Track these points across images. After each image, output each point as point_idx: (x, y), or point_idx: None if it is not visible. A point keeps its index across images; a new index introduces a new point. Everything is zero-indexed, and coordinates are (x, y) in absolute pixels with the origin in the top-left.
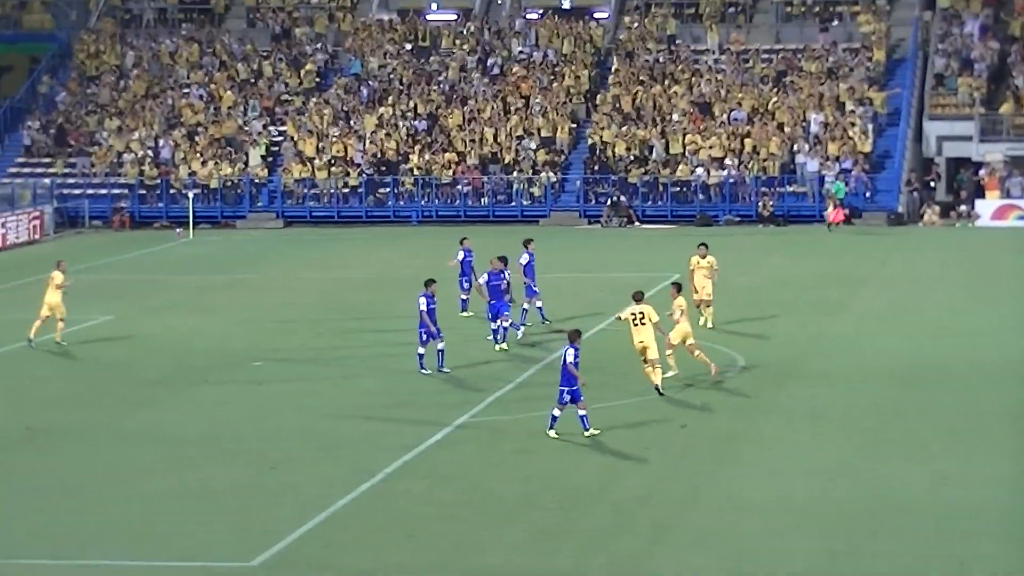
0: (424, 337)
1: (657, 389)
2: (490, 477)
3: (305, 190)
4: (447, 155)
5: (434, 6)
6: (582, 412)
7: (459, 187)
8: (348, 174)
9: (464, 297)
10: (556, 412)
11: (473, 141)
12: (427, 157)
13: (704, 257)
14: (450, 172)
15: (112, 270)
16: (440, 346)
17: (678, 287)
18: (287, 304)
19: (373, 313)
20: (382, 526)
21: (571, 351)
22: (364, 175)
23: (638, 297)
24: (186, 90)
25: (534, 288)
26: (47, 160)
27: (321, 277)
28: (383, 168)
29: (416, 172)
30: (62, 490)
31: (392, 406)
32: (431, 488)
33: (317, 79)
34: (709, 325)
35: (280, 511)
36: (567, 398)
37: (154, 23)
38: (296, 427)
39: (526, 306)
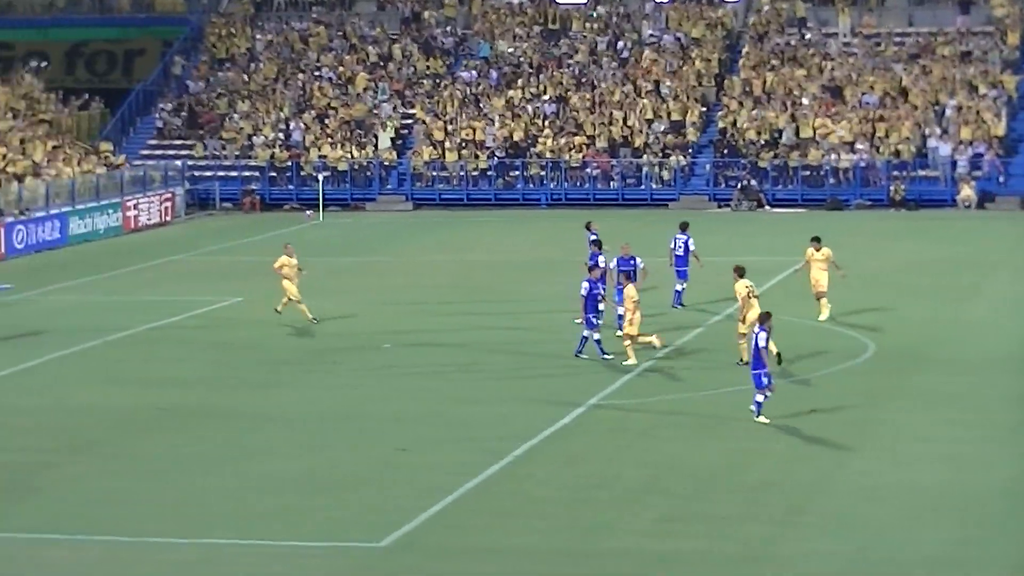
0: (593, 321)
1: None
2: (618, 461)
3: (434, 172)
4: (576, 138)
5: None
6: (759, 398)
7: (588, 170)
8: (477, 157)
9: None
10: (759, 398)
11: (602, 124)
12: (556, 140)
13: (819, 250)
14: (579, 155)
15: (242, 252)
16: (585, 334)
17: (740, 271)
18: (416, 286)
19: (502, 295)
20: (510, 509)
21: (762, 334)
22: (493, 158)
23: (742, 271)
24: (316, 73)
25: (686, 272)
26: (178, 142)
27: (450, 259)
28: (512, 151)
29: (545, 155)
30: (193, 470)
31: (520, 389)
32: (559, 471)
33: (447, 62)
34: (825, 317)
35: (409, 493)
36: (765, 381)
37: (285, 6)
38: (425, 409)
39: (679, 287)
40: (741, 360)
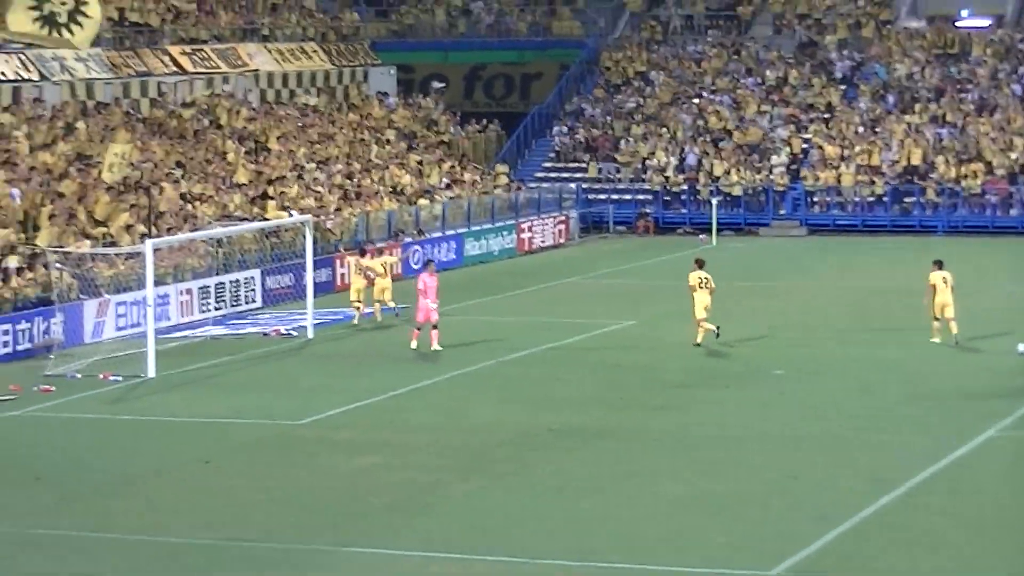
0: None
1: (697, 344)
2: (1018, 493)
3: (829, 198)
4: (975, 165)
5: (964, 13)
6: None
7: (987, 197)
8: (873, 182)
9: None
10: None
11: (1002, 151)
12: (955, 167)
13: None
14: (978, 182)
15: (635, 275)
16: None
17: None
18: (810, 312)
19: (896, 323)
20: (904, 539)
21: None
22: (889, 184)
23: (701, 263)
24: (712, 97)
25: None
26: (573, 165)
27: (845, 285)
28: (909, 177)
29: (943, 181)
30: (584, 491)
31: (914, 417)
32: (956, 502)
33: (843, 86)
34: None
35: (800, 519)
36: None
37: (680, 30)
38: (816, 436)
39: None
40: None
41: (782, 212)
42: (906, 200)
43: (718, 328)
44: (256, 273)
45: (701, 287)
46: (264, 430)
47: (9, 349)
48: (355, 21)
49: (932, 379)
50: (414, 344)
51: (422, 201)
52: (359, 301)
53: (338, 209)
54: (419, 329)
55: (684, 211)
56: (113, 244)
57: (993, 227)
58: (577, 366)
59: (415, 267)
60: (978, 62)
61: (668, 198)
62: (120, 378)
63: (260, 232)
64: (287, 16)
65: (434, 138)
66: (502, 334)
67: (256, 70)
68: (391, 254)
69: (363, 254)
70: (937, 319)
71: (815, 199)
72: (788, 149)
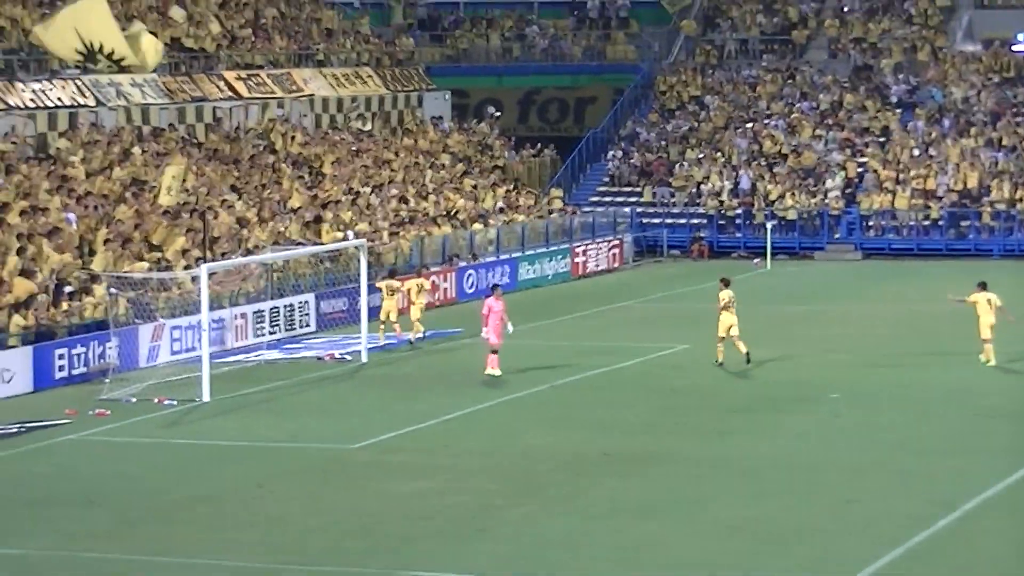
0: None
1: (747, 356)
2: None
3: (884, 222)
4: None
5: (1021, 36)
6: None
7: None
8: (929, 206)
9: None
10: None
11: None
12: (1011, 191)
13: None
14: None
15: (689, 299)
16: None
17: None
18: (865, 336)
19: (951, 347)
20: (963, 564)
21: None
22: (945, 208)
23: (727, 282)
24: (767, 121)
25: None
26: (627, 189)
27: (900, 309)
28: (965, 201)
29: (999, 205)
30: (638, 516)
31: (972, 441)
32: (1014, 527)
33: (898, 110)
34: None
35: (857, 544)
36: None
37: (735, 54)
38: (873, 460)
39: None
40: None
41: (837, 236)
42: (962, 224)
43: (723, 361)
44: (310, 297)
45: (729, 307)
46: (318, 454)
47: (65, 373)
48: (410, 46)
49: (987, 402)
50: (496, 372)
51: (476, 226)
52: (387, 322)
53: (393, 234)
54: (495, 352)
55: (739, 235)
56: (168, 269)
57: None
58: (631, 390)
59: (468, 291)
60: None
61: (723, 222)
62: (175, 402)
63: (314, 257)
64: (342, 41)
65: (489, 162)
66: (556, 358)
67: (311, 95)
68: (426, 278)
69: (392, 275)
70: (986, 340)
71: (870, 223)
72: (843, 173)
